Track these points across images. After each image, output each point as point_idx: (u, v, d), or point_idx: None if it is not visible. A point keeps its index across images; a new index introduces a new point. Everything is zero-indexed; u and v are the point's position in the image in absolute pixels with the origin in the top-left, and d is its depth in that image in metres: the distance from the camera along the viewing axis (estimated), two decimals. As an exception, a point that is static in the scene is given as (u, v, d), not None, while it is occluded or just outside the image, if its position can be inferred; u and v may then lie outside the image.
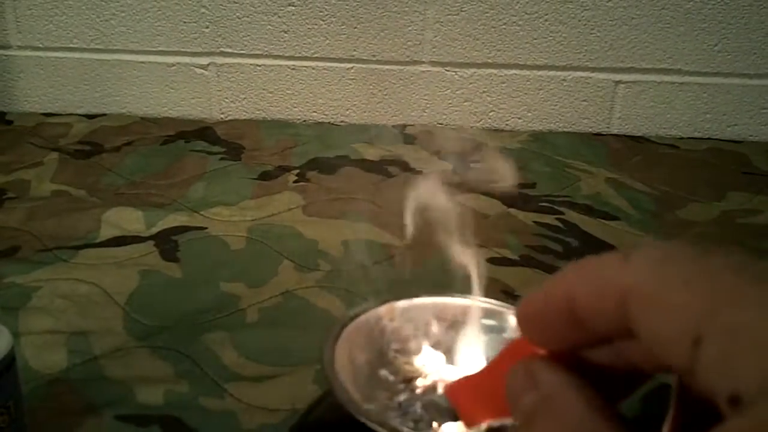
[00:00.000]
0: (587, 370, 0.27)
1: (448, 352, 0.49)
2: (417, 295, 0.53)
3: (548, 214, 0.99)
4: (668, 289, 0.23)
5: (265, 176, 1.08)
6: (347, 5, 1.24)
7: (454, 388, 0.34)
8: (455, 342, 0.49)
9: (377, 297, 0.52)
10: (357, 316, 0.49)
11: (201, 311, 0.76)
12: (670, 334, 0.22)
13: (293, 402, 0.63)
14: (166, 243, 0.89)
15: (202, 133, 1.23)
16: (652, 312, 0.23)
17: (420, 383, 0.47)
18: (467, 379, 0.33)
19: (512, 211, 0.98)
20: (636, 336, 0.24)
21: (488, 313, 0.50)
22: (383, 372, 0.48)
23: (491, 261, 0.85)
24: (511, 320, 0.50)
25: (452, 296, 0.52)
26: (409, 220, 0.53)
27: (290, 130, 1.25)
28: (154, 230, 0.92)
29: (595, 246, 0.91)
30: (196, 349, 0.70)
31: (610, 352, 0.27)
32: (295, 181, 1.06)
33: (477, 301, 0.50)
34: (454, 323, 0.50)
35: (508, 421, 0.30)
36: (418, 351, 0.50)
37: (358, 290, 0.80)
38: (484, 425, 0.32)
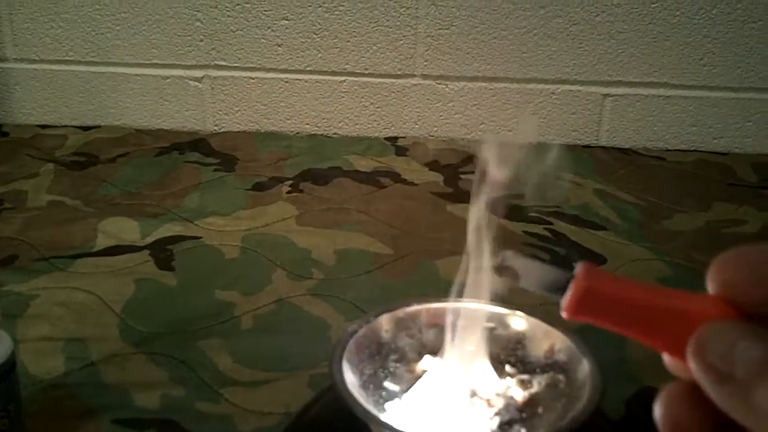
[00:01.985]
0: None
1: (444, 356, 0.51)
2: (409, 304, 0.54)
3: (537, 224, 1.01)
4: None
5: (258, 187, 1.09)
6: (340, 20, 1.26)
7: (593, 271, 0.30)
8: (450, 345, 0.51)
9: (370, 306, 0.53)
10: (355, 332, 0.50)
11: (196, 318, 0.77)
12: None
13: (287, 406, 0.64)
14: (161, 252, 0.90)
15: (196, 144, 1.25)
16: None
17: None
18: (608, 277, 0.30)
19: (502, 221, 1.00)
20: None
21: (481, 315, 0.52)
22: (387, 383, 0.50)
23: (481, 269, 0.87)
24: (512, 322, 0.52)
25: (443, 301, 0.53)
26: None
27: (284, 142, 1.27)
28: (150, 240, 0.93)
29: (582, 255, 0.93)
30: (191, 355, 0.71)
31: None
32: (288, 192, 1.08)
33: (469, 305, 0.52)
34: (448, 327, 0.52)
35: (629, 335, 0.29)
36: (416, 358, 0.51)
37: (350, 298, 0.82)
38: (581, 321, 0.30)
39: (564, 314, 0.30)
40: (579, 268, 0.30)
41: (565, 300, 0.30)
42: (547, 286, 0.32)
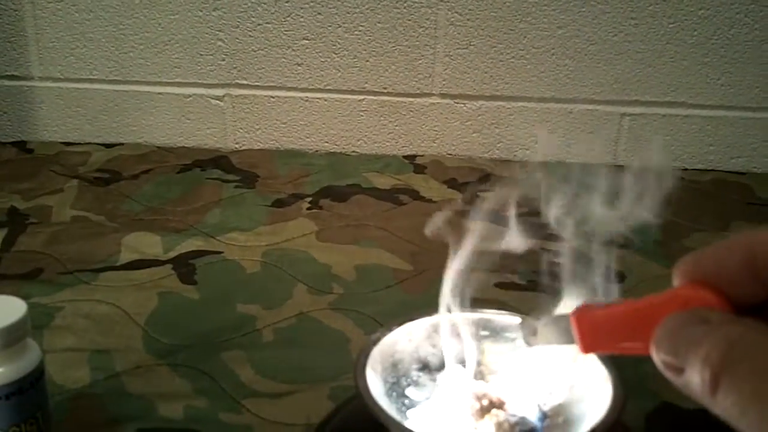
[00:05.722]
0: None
1: (465, 364, 0.51)
2: (429, 314, 0.55)
3: (555, 242, 1.01)
4: None
5: (279, 203, 1.11)
6: (359, 39, 1.28)
7: (582, 314, 0.33)
8: (471, 354, 0.51)
9: (390, 321, 0.54)
10: (378, 340, 0.51)
11: (218, 331, 0.78)
12: None
13: (308, 417, 0.65)
14: (184, 266, 0.92)
15: (218, 162, 1.26)
16: None
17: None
18: (597, 309, 0.33)
19: (520, 237, 1.01)
20: None
21: (501, 325, 0.53)
22: (410, 391, 0.50)
23: (499, 285, 0.87)
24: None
25: (463, 312, 0.54)
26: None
27: (303, 160, 1.28)
28: (172, 254, 0.94)
29: (601, 273, 0.93)
30: (214, 366, 0.72)
31: None
32: (308, 209, 1.09)
33: (487, 315, 0.52)
34: (469, 337, 0.52)
35: (634, 352, 0.30)
36: (438, 367, 0.52)
37: (369, 312, 0.83)
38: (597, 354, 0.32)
39: (581, 352, 0.33)
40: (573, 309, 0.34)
41: (576, 340, 0.33)
42: (559, 337, 0.36)
